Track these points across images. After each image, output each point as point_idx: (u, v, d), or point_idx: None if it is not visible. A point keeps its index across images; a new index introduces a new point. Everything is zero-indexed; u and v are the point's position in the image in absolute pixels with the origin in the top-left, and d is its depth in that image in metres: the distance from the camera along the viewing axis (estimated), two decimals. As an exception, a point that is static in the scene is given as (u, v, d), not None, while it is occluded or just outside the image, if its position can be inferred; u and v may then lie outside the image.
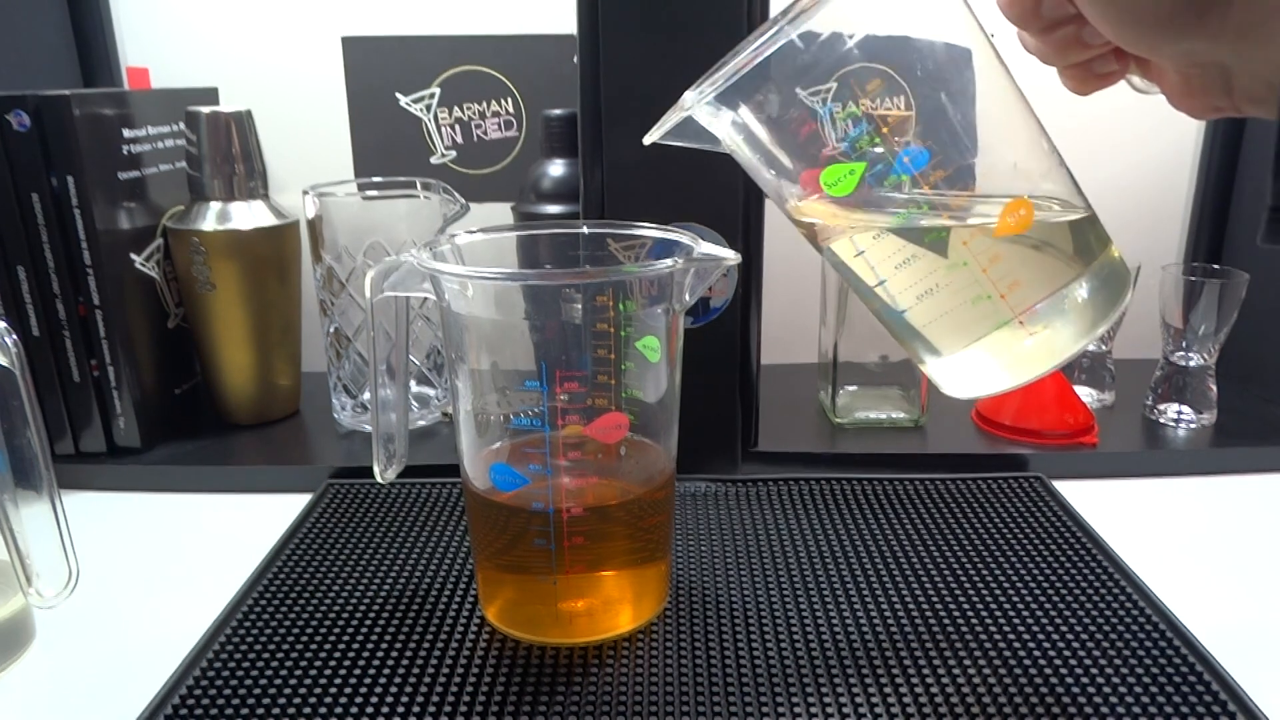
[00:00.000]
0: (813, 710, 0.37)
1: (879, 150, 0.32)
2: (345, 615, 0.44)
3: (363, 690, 0.39)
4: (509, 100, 0.77)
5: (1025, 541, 0.50)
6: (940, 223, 0.33)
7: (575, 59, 0.53)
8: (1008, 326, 0.33)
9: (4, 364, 0.39)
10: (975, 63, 0.33)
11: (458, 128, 0.77)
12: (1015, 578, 0.47)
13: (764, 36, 0.30)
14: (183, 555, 0.52)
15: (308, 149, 0.77)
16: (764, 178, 0.35)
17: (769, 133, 0.33)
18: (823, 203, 0.34)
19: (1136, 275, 0.35)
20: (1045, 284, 0.33)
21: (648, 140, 0.35)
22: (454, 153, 0.78)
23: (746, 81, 0.32)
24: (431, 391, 0.68)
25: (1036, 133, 0.34)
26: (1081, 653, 0.41)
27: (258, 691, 0.39)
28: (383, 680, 0.40)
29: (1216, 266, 0.65)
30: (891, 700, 0.38)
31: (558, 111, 0.65)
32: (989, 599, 0.45)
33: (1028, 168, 0.34)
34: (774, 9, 0.50)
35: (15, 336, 0.39)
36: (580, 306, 0.38)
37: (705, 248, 0.40)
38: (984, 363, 0.34)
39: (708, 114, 0.33)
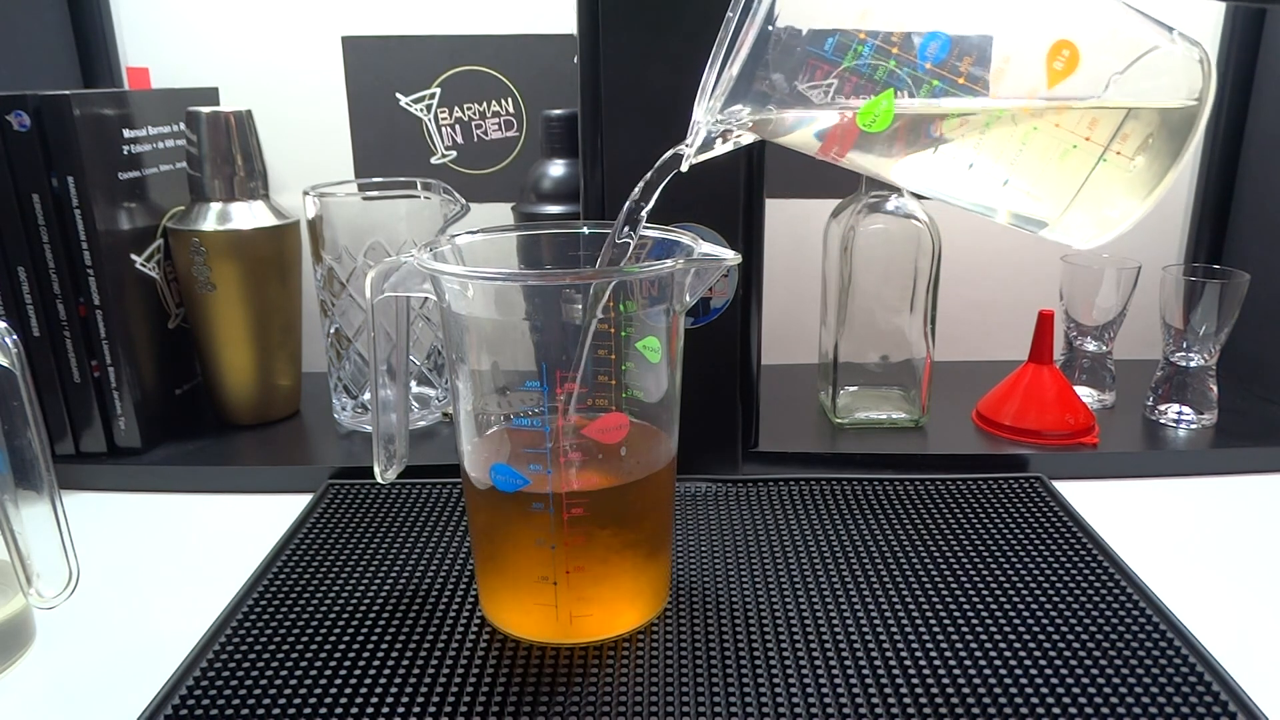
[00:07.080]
0: (813, 710, 0.37)
1: (894, 65, 0.31)
2: (345, 615, 0.44)
3: (363, 690, 0.39)
4: (509, 100, 0.77)
5: (1025, 541, 0.50)
6: (990, 104, 0.32)
7: (575, 59, 0.53)
8: (1105, 162, 0.32)
9: (4, 364, 0.39)
10: None
11: (458, 128, 0.77)
12: (1015, 578, 0.47)
13: (735, 28, 0.30)
14: (183, 555, 0.52)
15: (308, 149, 0.77)
16: (811, 142, 0.34)
17: (790, 104, 0.33)
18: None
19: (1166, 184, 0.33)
20: (1121, 108, 0.32)
21: (685, 167, 0.35)
22: (454, 153, 0.78)
23: (744, 78, 0.31)
24: (432, 392, 0.68)
25: None
26: (1081, 653, 0.41)
27: (258, 692, 0.39)
28: (383, 680, 0.40)
29: (1217, 267, 0.65)
30: (892, 700, 0.38)
31: (558, 111, 0.65)
32: (989, 599, 0.45)
33: (1058, 12, 0.32)
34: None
35: (15, 337, 0.39)
36: (581, 307, 0.38)
37: (705, 248, 0.40)
38: (1102, 205, 0.33)
39: (728, 118, 0.33)
